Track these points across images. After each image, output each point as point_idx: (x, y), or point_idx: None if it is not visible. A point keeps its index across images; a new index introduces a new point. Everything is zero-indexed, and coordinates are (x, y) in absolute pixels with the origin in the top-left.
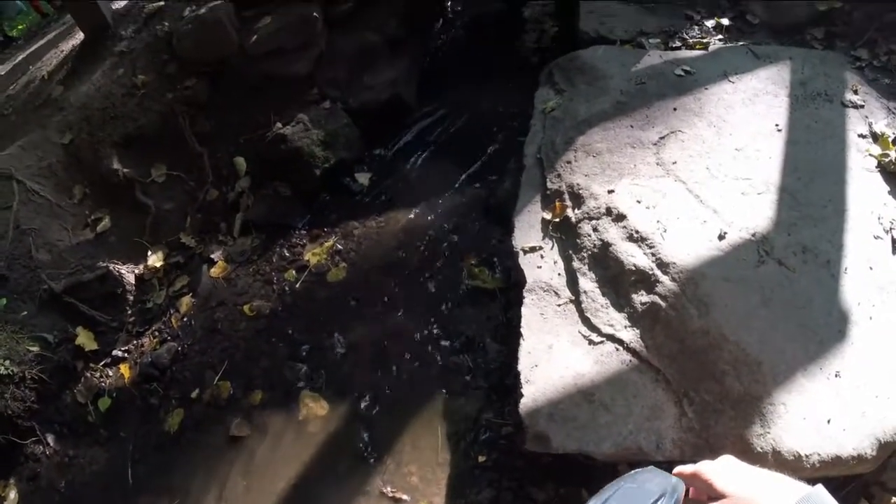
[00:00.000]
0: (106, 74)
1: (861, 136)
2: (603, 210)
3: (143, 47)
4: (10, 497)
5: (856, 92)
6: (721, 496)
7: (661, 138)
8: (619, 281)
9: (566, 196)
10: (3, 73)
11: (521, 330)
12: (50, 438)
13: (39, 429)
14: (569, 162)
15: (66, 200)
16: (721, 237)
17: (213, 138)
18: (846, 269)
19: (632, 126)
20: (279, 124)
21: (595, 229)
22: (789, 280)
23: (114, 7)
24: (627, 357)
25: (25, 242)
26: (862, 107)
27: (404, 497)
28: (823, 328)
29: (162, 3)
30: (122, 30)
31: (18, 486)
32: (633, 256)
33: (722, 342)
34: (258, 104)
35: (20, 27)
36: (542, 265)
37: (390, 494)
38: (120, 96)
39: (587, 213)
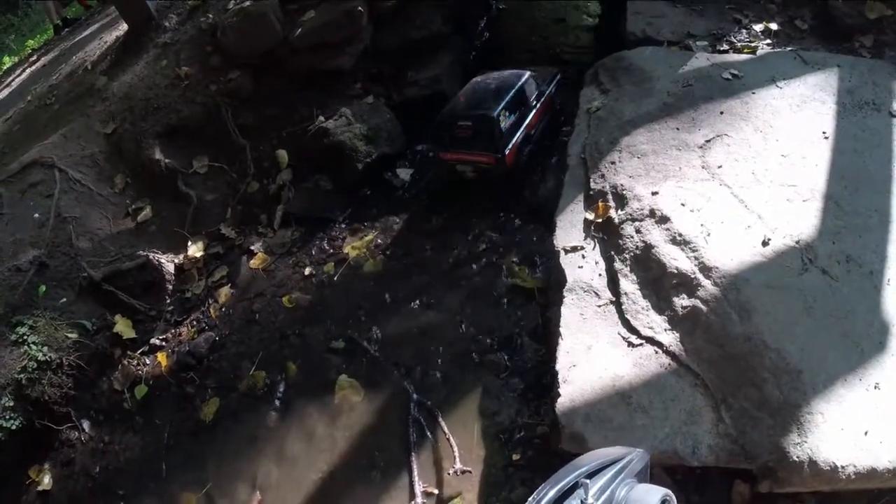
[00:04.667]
0: (149, 66)
1: None
2: (646, 212)
3: (187, 39)
4: (45, 482)
5: None
6: None
7: (707, 141)
8: (660, 283)
9: (609, 196)
10: (46, 63)
11: (560, 329)
12: (85, 424)
13: (75, 415)
14: (613, 162)
15: (107, 190)
16: (765, 243)
17: (256, 131)
18: (889, 281)
19: (677, 128)
20: (322, 118)
21: (638, 231)
22: (832, 289)
23: None
24: (667, 360)
25: (66, 230)
26: None
27: (436, 492)
28: (865, 339)
29: None
30: (166, 21)
31: (53, 471)
32: (676, 259)
33: (763, 349)
34: (301, 97)
35: (74, 9)
36: (583, 265)
37: (423, 488)
38: (163, 87)
39: (630, 215)
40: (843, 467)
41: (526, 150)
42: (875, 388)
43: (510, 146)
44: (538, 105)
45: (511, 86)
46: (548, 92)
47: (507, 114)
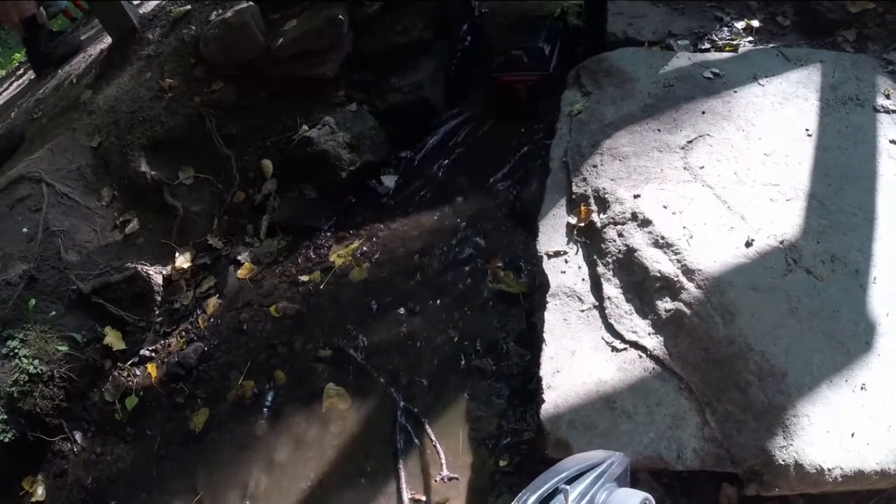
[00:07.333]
0: (133, 78)
1: (893, 142)
2: (629, 215)
3: (171, 51)
4: (38, 493)
5: (888, 97)
6: None
7: (689, 142)
8: (643, 287)
9: (592, 200)
10: (32, 78)
11: (544, 335)
12: (77, 436)
13: (67, 426)
14: (595, 166)
15: (94, 203)
16: (748, 244)
17: (240, 141)
18: (875, 279)
19: (659, 129)
20: (305, 126)
21: (620, 234)
22: (817, 289)
23: (141, 11)
24: (651, 364)
25: (55, 244)
26: (895, 112)
27: (424, 499)
28: (851, 339)
29: (189, 6)
30: (150, 34)
31: (46, 482)
32: (659, 262)
33: (747, 352)
34: (284, 107)
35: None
36: (566, 270)
37: (410, 496)
38: (147, 100)
39: (612, 218)
40: (829, 470)
41: (557, 72)
42: (861, 389)
43: (552, 65)
44: (559, 43)
45: (544, 23)
46: (562, 37)
47: (546, 44)
